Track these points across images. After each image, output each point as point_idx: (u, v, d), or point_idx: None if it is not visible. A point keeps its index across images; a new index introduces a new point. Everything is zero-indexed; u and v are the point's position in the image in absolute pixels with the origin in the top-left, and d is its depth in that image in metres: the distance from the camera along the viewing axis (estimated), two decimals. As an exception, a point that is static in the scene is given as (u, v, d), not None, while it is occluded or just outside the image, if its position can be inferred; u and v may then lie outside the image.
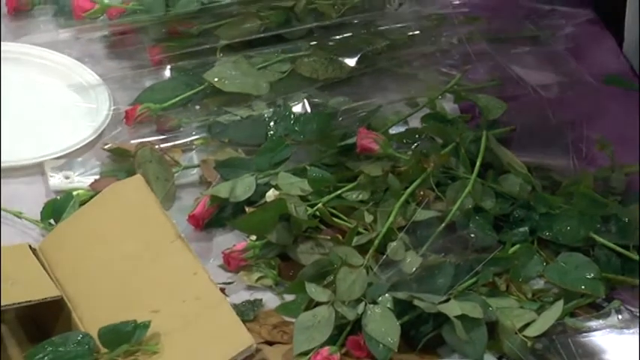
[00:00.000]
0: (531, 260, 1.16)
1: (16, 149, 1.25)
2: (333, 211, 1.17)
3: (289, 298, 1.12)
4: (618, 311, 1.11)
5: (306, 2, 1.43)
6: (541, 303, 1.11)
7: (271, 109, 1.33)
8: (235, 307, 1.04)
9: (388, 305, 1.07)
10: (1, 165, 1.22)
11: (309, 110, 1.33)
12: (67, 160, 1.25)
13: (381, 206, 1.16)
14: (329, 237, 1.15)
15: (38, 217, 1.16)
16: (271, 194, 1.18)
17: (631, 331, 1.09)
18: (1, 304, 0.98)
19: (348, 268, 1.08)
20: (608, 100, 1.43)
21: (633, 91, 1.45)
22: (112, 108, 1.32)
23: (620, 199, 1.25)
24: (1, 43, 1.39)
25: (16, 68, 1.38)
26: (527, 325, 1.07)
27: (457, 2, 1.49)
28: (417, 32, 1.45)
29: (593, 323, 1.10)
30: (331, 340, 1.04)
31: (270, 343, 1.06)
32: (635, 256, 1.17)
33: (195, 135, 1.29)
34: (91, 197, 1.13)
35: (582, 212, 1.20)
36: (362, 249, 1.11)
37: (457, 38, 1.46)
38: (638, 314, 1.10)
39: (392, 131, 1.29)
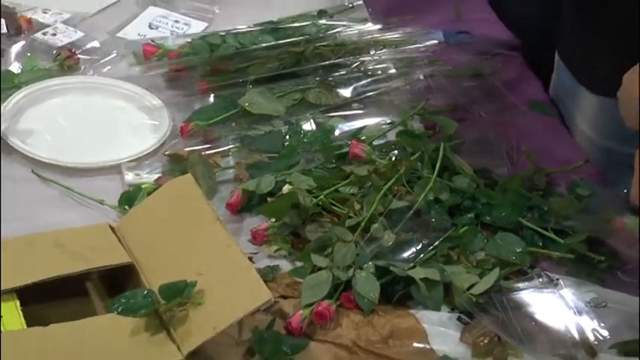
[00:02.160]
0: (476, 238, 1.15)
1: (101, 154, 1.24)
2: (332, 201, 1.16)
3: (299, 264, 1.11)
4: (539, 276, 1.10)
5: (312, 48, 1.42)
6: (483, 269, 1.10)
7: (287, 127, 1.32)
8: (259, 270, 1.02)
9: (371, 270, 1.06)
10: (89, 166, 1.22)
11: (314, 128, 1.32)
12: (138, 163, 1.24)
13: (367, 198, 1.15)
14: (328, 220, 1.14)
15: (116, 204, 1.16)
16: (286, 188, 1.17)
17: (548, 290, 1.08)
18: (88, 268, 0.98)
19: (342, 243, 1.08)
20: (532, 121, 1.41)
21: (550, 115, 1.44)
22: (171, 124, 1.31)
23: (541, 194, 1.23)
24: (91, 76, 1.40)
25: (101, 95, 1.37)
26: (472, 285, 1.06)
27: (423, 49, 1.48)
28: (394, 70, 1.45)
29: (521, 284, 1.09)
30: (329, 296, 1.04)
31: (285, 297, 1.05)
32: (552, 235, 1.16)
33: (231, 145, 1.28)
34: (155, 190, 1.12)
35: (513, 203, 1.20)
36: (352, 229, 1.10)
37: (423, 75, 1.45)
38: (554, 279, 1.10)
39: (375, 143, 1.28)
